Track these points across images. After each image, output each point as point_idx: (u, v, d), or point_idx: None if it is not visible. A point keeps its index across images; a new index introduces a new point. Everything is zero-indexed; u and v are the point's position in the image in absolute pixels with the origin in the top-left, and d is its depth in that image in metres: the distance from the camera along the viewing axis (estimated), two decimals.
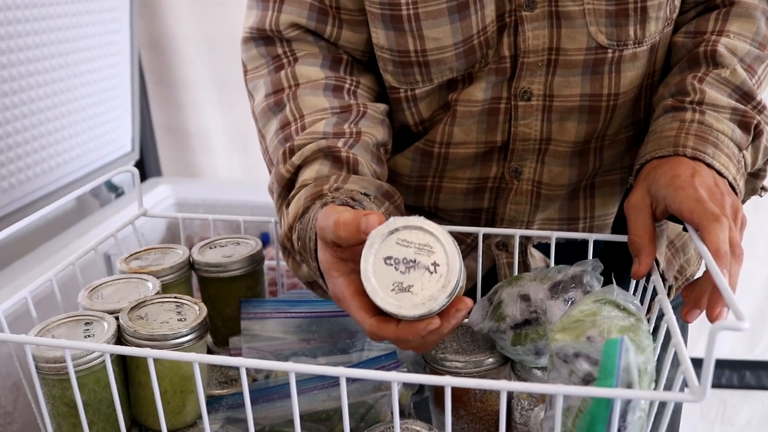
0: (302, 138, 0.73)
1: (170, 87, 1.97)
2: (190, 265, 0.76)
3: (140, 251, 0.77)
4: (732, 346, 2.04)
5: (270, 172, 0.77)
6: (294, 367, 0.51)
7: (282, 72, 0.78)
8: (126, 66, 1.67)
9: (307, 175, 0.71)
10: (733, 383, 2.05)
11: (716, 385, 2.05)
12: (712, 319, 0.59)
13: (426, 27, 0.76)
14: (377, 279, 0.54)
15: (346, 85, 0.79)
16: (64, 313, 0.64)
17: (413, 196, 0.87)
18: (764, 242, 1.94)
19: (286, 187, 0.73)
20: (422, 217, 0.56)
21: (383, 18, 0.77)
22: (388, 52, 0.79)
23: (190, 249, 0.77)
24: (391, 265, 0.54)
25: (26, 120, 1.34)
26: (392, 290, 0.54)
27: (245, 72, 0.83)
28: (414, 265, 0.54)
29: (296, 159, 0.72)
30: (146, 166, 1.95)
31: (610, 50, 0.76)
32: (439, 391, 0.72)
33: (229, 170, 2.05)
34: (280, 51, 0.80)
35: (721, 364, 2.05)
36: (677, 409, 0.98)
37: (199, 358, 0.53)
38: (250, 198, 1.70)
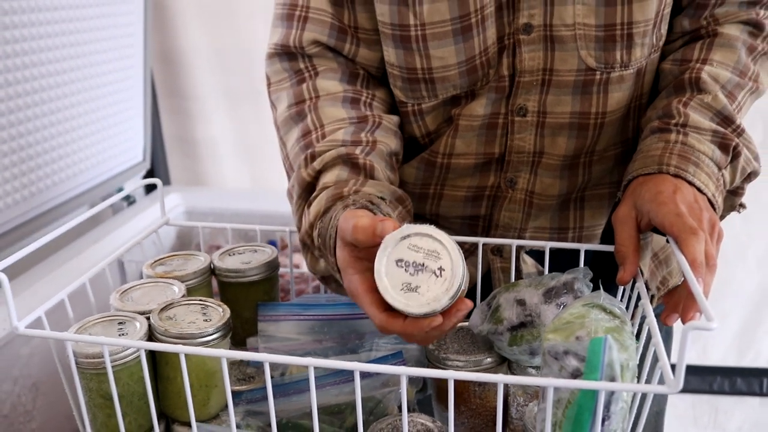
0: (323, 145, 0.80)
1: (180, 98, 2.02)
2: (211, 270, 0.82)
3: (164, 257, 0.83)
4: (724, 354, 2.09)
5: (289, 177, 0.83)
6: (313, 362, 0.57)
7: (304, 85, 0.85)
8: (139, 79, 1.73)
9: (327, 178, 0.77)
10: (725, 389, 2.10)
11: (708, 391, 2.10)
12: (685, 320, 0.65)
13: (432, 47, 0.82)
14: (389, 279, 0.61)
15: (363, 98, 0.86)
16: (97, 312, 0.70)
17: (416, 203, 0.93)
18: (754, 253, 1.99)
19: (306, 189, 0.79)
20: (432, 225, 0.62)
21: (394, 38, 0.83)
22: (397, 69, 0.85)
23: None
24: (402, 267, 0.61)
25: (46, 131, 1.40)
26: (401, 289, 0.61)
27: (269, 84, 0.90)
28: (422, 269, 0.61)
29: (317, 164, 0.79)
30: (156, 175, 2.01)
31: (598, 72, 0.82)
32: (441, 388, 0.78)
33: (237, 180, 2.10)
34: (302, 66, 0.86)
35: (713, 371, 2.10)
36: (661, 410, 1.04)
37: (226, 353, 0.59)
38: (258, 207, 1.76)
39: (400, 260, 0.62)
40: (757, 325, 2.06)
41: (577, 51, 0.81)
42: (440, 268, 0.61)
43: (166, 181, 2.07)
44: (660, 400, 1.04)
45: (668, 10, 0.84)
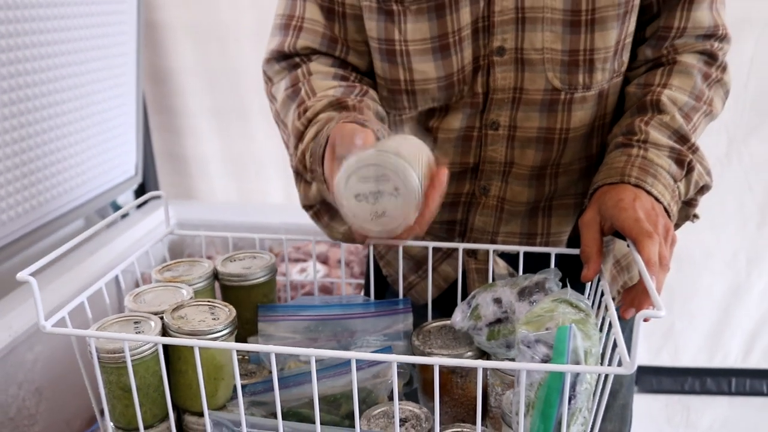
0: (314, 100, 0.88)
1: (170, 116, 2.09)
2: (215, 275, 0.89)
3: (171, 263, 0.90)
4: (694, 356, 2.17)
5: (291, 160, 0.91)
6: (314, 352, 0.64)
7: (298, 70, 0.93)
8: (132, 97, 1.79)
9: (319, 119, 0.85)
10: (696, 389, 2.19)
11: (680, 391, 2.19)
12: (638, 310, 0.73)
13: (414, 62, 0.91)
14: (356, 214, 0.70)
15: (351, 77, 0.94)
16: (115, 313, 0.77)
17: None
18: (721, 259, 2.08)
19: (299, 138, 0.87)
20: (372, 150, 0.70)
21: (380, 51, 0.92)
22: (383, 80, 0.94)
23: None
24: (362, 200, 0.69)
25: (45, 147, 1.46)
26: (372, 220, 0.69)
27: (269, 81, 0.98)
28: (379, 194, 0.69)
29: (310, 113, 0.86)
30: (147, 190, 2.08)
31: (562, 92, 0.91)
32: (426, 380, 0.85)
33: (224, 194, 2.17)
34: (297, 60, 0.95)
35: (685, 372, 2.18)
36: (627, 403, 1.12)
37: (237, 346, 0.66)
38: (245, 219, 1.83)
39: (358, 195, 0.69)
40: (725, 327, 2.14)
41: (545, 73, 0.90)
42: (395, 188, 0.69)
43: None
44: (626, 394, 1.12)
45: (629, 40, 0.92)
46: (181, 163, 2.14)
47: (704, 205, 0.93)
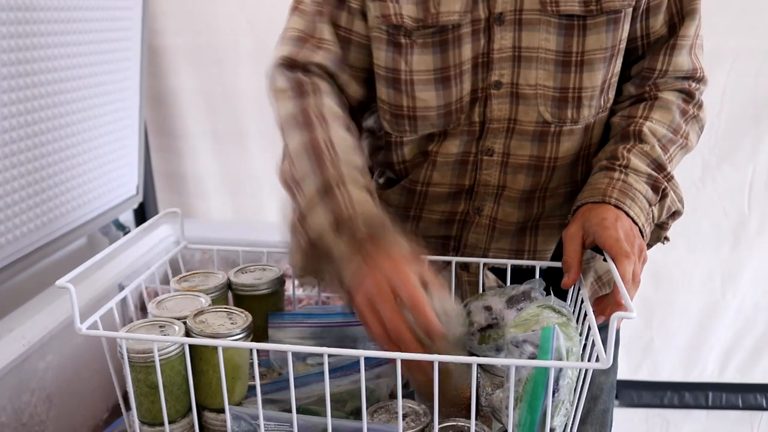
0: (344, 161, 0.89)
1: (169, 137, 2.16)
2: (228, 285, 0.97)
3: (187, 275, 0.98)
4: (672, 370, 2.24)
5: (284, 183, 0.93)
6: (327, 350, 0.72)
7: (309, 99, 0.96)
8: (135, 119, 1.86)
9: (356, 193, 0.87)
10: (674, 403, 2.25)
11: (659, 405, 2.25)
12: (607, 317, 0.82)
13: (418, 90, 0.99)
14: None
15: (352, 126, 0.98)
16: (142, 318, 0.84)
17: (400, 224, 1.09)
18: (698, 278, 2.15)
19: (325, 189, 0.86)
20: None
21: (386, 79, 1.01)
22: (387, 105, 1.02)
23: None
24: None
25: (50, 168, 1.51)
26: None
27: (273, 83, 1.01)
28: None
29: (342, 170, 0.87)
30: (146, 208, 2.14)
31: (552, 125, 1.00)
32: (420, 382, 0.93)
33: (221, 212, 2.24)
34: (303, 79, 0.99)
35: (663, 386, 2.25)
36: (607, 408, 1.20)
37: (257, 345, 0.74)
38: (242, 236, 1.89)
39: None
40: (701, 343, 2.21)
41: (537, 107, 0.99)
42: None
43: (155, 214, 2.19)
44: (606, 400, 1.20)
45: (615, 79, 1.02)
46: (179, 182, 2.21)
47: (681, 227, 1.01)
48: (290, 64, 1.01)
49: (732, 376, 2.23)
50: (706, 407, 2.25)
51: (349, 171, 0.87)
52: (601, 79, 0.98)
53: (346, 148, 0.91)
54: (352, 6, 1.00)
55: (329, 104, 0.97)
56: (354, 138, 0.95)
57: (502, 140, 1.01)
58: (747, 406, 2.24)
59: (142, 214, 2.10)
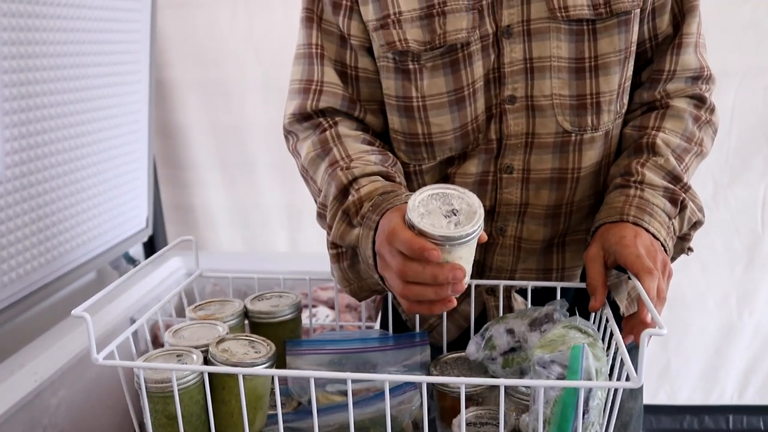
0: (357, 163, 0.92)
1: (177, 169, 2.17)
2: (245, 313, 0.95)
3: (202, 303, 0.96)
4: (690, 394, 2.22)
5: (320, 215, 0.95)
6: (350, 376, 0.71)
7: (327, 132, 0.98)
8: (144, 152, 1.86)
9: (366, 182, 0.89)
10: (694, 427, 2.22)
11: (679, 429, 2.23)
12: (636, 338, 0.80)
13: (431, 116, 0.98)
14: (433, 223, 0.75)
15: (377, 143, 1.00)
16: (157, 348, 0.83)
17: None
18: (714, 299, 2.15)
19: (342, 192, 0.90)
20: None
21: (398, 108, 0.99)
22: (401, 134, 1.01)
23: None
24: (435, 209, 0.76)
25: (60, 202, 1.51)
26: (447, 222, 0.75)
27: (295, 139, 1.02)
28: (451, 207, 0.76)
29: (359, 171, 0.90)
30: (155, 241, 2.14)
31: (573, 134, 0.99)
32: (444, 408, 0.91)
33: (231, 244, 2.24)
34: (321, 121, 1.00)
35: (682, 410, 2.23)
36: (625, 423, 1.17)
37: (279, 372, 0.73)
38: (252, 266, 1.89)
39: (427, 212, 0.75)
40: (719, 365, 2.20)
41: (555, 117, 0.98)
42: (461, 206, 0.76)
43: (165, 246, 2.18)
44: (636, 426, 1.17)
45: (628, 83, 1.01)
46: (189, 214, 2.21)
47: (694, 248, 0.99)
48: (302, 116, 1.01)
49: (752, 398, 2.21)
50: (727, 431, 2.23)
51: (357, 155, 0.93)
52: (617, 82, 0.98)
53: (360, 153, 0.95)
54: (353, 43, 0.99)
55: (344, 130, 0.98)
56: (371, 146, 0.97)
57: (521, 156, 1.00)
58: None
59: (151, 248, 2.09)
